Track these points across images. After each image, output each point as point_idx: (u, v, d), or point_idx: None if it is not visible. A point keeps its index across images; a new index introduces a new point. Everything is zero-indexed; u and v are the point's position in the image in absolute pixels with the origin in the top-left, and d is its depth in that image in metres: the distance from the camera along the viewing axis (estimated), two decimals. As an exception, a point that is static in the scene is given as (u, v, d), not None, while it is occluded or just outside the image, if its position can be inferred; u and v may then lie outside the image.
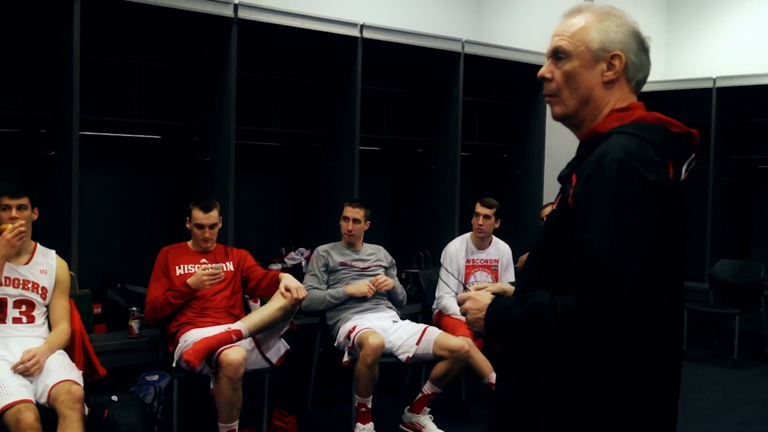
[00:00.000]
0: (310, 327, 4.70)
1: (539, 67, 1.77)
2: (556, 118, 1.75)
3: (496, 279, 5.05)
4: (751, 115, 7.00)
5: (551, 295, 1.56)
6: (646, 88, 1.75)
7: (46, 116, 4.31)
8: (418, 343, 4.33)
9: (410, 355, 4.32)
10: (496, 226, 5.08)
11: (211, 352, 3.69)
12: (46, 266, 3.63)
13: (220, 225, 4.24)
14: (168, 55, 4.97)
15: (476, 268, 5.09)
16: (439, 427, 4.38)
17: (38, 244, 3.67)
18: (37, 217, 3.63)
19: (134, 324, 4.18)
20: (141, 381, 4.09)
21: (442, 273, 4.98)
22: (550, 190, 6.28)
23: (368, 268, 4.70)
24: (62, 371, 3.33)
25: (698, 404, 5.12)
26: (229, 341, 3.73)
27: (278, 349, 4.04)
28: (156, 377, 4.11)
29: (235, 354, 3.67)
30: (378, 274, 4.67)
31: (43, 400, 3.23)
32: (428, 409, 4.41)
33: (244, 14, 4.61)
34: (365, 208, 4.69)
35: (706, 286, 6.58)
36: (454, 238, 5.25)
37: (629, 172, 1.51)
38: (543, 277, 1.65)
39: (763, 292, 6.22)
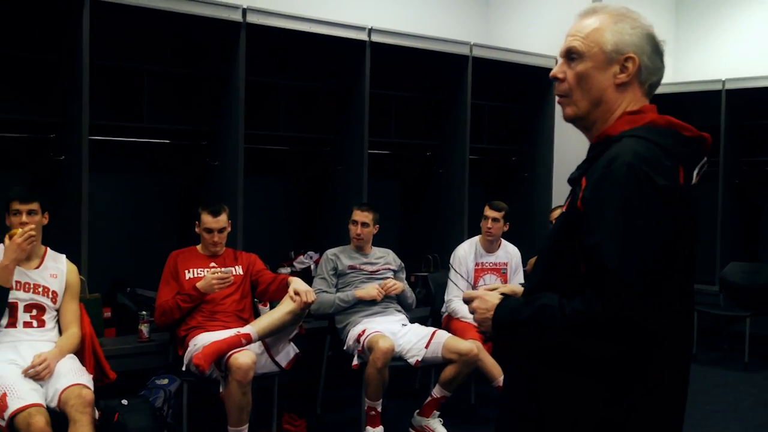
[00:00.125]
0: (320, 330, 4.71)
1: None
2: (567, 119, 1.74)
3: (505, 282, 5.04)
4: (761, 117, 6.96)
5: (560, 298, 1.55)
6: (654, 90, 1.74)
7: (56, 121, 4.34)
8: (427, 347, 4.32)
9: (419, 359, 4.31)
10: (505, 229, 5.07)
11: (220, 355, 3.69)
12: (57, 270, 3.64)
13: (229, 229, 4.24)
14: (177, 60, 4.99)
15: (485, 271, 5.09)
16: (448, 431, 4.37)
17: (48, 248, 3.68)
18: (47, 221, 3.63)
19: (144, 328, 4.20)
20: (151, 385, 4.09)
21: (451, 276, 4.97)
22: (559, 193, 6.27)
23: (377, 271, 4.70)
24: (72, 375, 3.33)
25: (709, 408, 5.10)
26: (238, 345, 3.74)
27: (287, 352, 4.03)
28: (166, 381, 4.11)
29: (244, 358, 3.68)
30: (387, 278, 4.66)
31: (53, 404, 3.23)
32: (438, 413, 4.40)
33: (252, 19, 4.63)
34: (374, 212, 4.69)
35: (717, 289, 6.54)
36: (463, 241, 5.24)
37: (639, 176, 1.50)
38: (552, 280, 1.64)
39: (773, 294, 6.19)
